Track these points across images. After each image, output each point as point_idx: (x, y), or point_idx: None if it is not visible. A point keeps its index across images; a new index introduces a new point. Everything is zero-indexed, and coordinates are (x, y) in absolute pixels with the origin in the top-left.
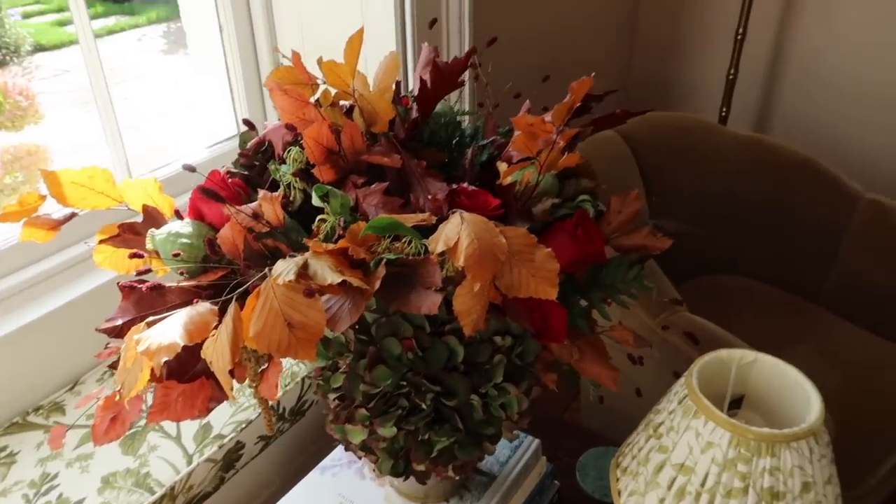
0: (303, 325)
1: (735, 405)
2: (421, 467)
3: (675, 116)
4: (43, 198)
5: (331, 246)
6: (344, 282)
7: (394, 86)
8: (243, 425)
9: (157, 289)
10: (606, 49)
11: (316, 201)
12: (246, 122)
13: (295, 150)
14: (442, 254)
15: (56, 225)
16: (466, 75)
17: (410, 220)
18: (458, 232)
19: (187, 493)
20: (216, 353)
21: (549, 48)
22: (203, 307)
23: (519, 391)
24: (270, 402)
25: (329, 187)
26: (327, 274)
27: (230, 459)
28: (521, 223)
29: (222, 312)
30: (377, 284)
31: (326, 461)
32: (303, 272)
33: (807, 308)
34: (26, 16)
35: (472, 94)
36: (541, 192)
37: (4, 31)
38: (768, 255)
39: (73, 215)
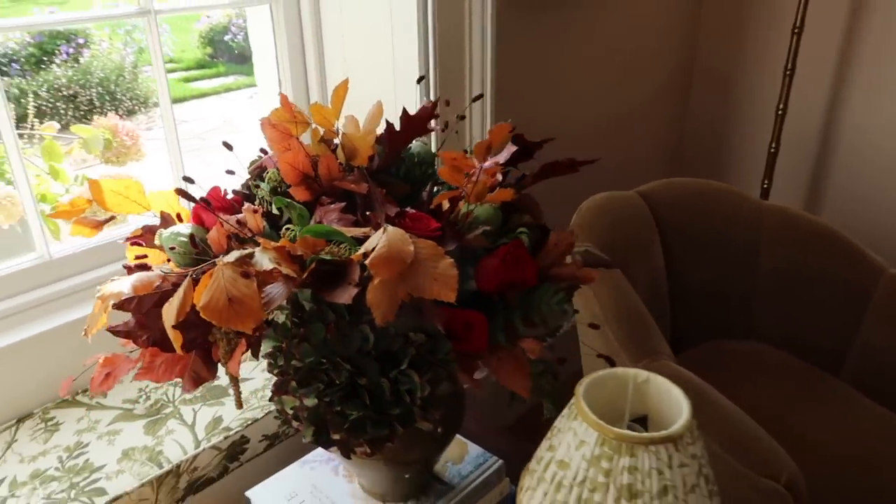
0: (240, 300)
1: (642, 425)
2: (336, 436)
3: (698, 182)
4: (90, 202)
5: (274, 244)
6: (278, 270)
7: (380, 126)
8: (249, 422)
9: (143, 268)
10: (660, 107)
11: (275, 211)
12: (262, 150)
13: (272, 171)
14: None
15: (98, 225)
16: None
17: (351, 231)
18: (377, 241)
19: (191, 474)
20: (167, 312)
21: (602, 107)
22: (153, 273)
23: (422, 379)
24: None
25: (288, 201)
26: (265, 262)
27: (234, 451)
28: (451, 243)
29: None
30: (305, 275)
31: (308, 456)
32: (248, 260)
33: (824, 379)
34: None
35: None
36: (475, 221)
37: (137, 84)
38: (787, 322)
39: (111, 218)
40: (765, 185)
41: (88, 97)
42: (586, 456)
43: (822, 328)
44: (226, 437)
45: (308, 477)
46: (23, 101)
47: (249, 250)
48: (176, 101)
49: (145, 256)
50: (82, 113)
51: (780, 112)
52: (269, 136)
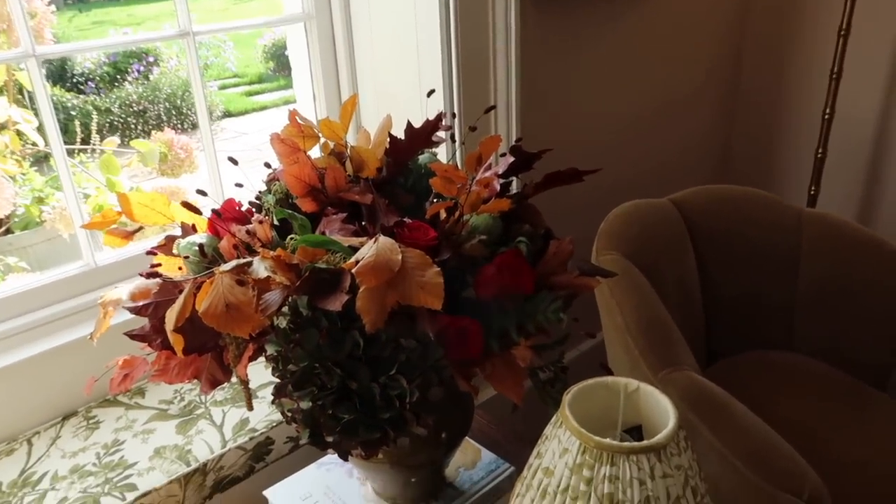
0: (236, 306)
1: (637, 435)
2: (330, 438)
3: (733, 189)
4: (120, 213)
5: (272, 253)
6: (273, 278)
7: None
8: (275, 424)
9: (156, 276)
10: (705, 111)
11: (275, 221)
12: (266, 164)
13: (278, 184)
14: None
15: (128, 235)
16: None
17: (347, 240)
18: (367, 250)
19: (218, 472)
20: (169, 316)
21: (644, 114)
22: (150, 281)
23: (411, 385)
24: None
25: (289, 212)
26: (260, 270)
27: (260, 452)
28: (446, 252)
29: None
30: (297, 283)
31: (324, 459)
32: (245, 268)
33: (868, 393)
34: (223, 87)
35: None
36: (474, 230)
37: (206, 99)
38: (829, 334)
39: (140, 229)
40: (811, 192)
41: (157, 112)
42: (569, 464)
43: (867, 341)
44: (251, 438)
45: (323, 478)
46: (91, 120)
47: (248, 259)
48: (238, 113)
49: (159, 265)
50: (151, 127)
51: (826, 117)
52: (278, 151)
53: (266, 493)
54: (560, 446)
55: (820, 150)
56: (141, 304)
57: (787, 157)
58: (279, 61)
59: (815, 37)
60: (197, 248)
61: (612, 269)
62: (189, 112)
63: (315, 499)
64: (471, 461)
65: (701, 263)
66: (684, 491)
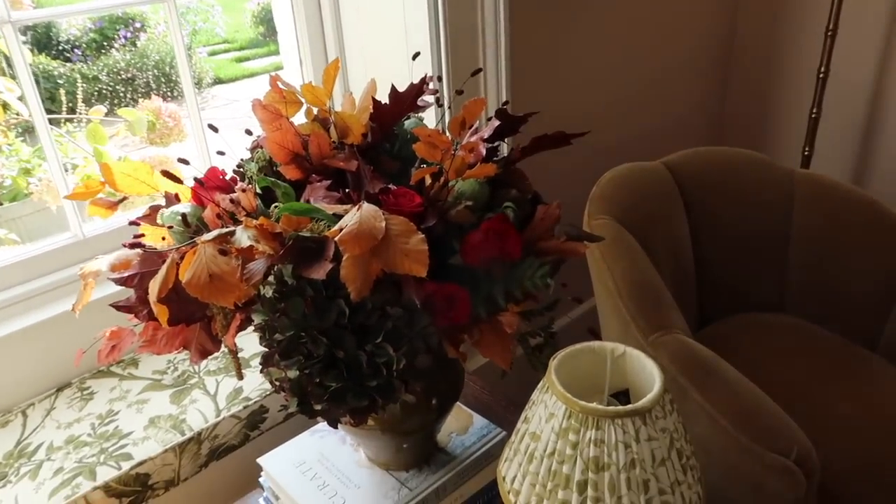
0: (220, 276)
1: (624, 399)
2: (318, 406)
3: (725, 151)
4: (103, 184)
5: (255, 222)
6: (256, 247)
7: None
8: (268, 393)
9: (138, 246)
10: (699, 73)
11: (258, 190)
12: (247, 131)
13: (260, 151)
14: None
15: (113, 205)
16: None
17: (332, 208)
18: (351, 218)
19: (212, 441)
20: (152, 287)
21: (638, 76)
22: (131, 252)
23: (398, 352)
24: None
25: (272, 180)
26: (243, 239)
27: (254, 420)
28: (432, 218)
29: None
30: (281, 252)
31: (318, 426)
32: (228, 238)
33: (859, 353)
34: (213, 53)
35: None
36: (460, 196)
37: (191, 65)
38: (820, 295)
39: (124, 198)
40: (805, 153)
41: (146, 79)
42: (555, 428)
43: (857, 301)
44: (245, 407)
45: (317, 445)
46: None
47: (230, 228)
48: (228, 80)
49: (143, 235)
50: (140, 95)
51: (821, 75)
52: (260, 117)
53: (260, 460)
54: (546, 411)
55: (814, 110)
56: (126, 274)
57: (781, 118)
58: (269, 26)
59: None
60: (180, 217)
61: (603, 233)
62: (178, 79)
63: (308, 465)
64: (463, 427)
65: (693, 226)
66: (669, 453)
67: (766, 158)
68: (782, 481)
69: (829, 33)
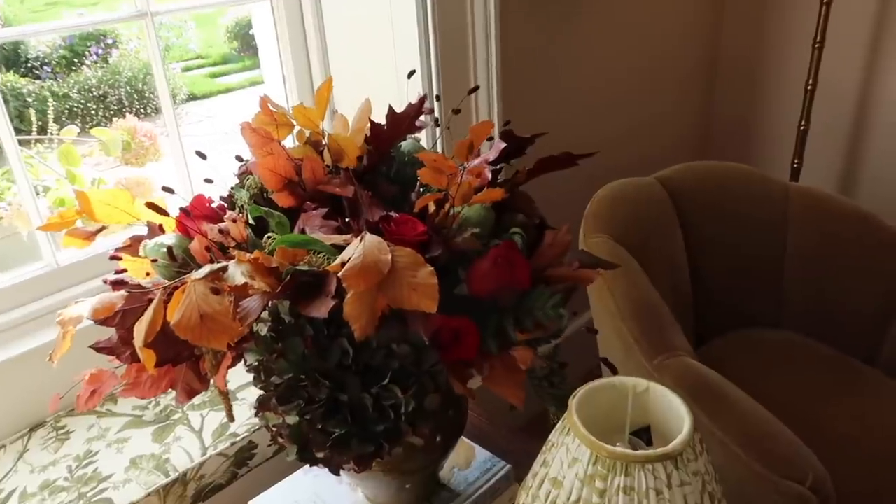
0: (212, 317)
1: (645, 436)
2: (320, 454)
3: (719, 165)
4: (80, 213)
5: (249, 256)
6: (251, 285)
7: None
8: (257, 427)
9: (121, 284)
10: (686, 90)
11: (251, 220)
12: (238, 157)
13: (252, 178)
14: None
15: (90, 235)
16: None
17: (331, 239)
18: (353, 251)
19: (199, 482)
20: (138, 331)
21: (626, 92)
22: (115, 294)
23: (406, 394)
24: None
25: (265, 209)
26: (237, 276)
27: (242, 457)
28: (437, 247)
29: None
30: (279, 289)
31: None
32: (220, 274)
33: (857, 369)
34: (186, 69)
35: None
36: (465, 222)
37: (168, 83)
38: (817, 310)
39: (102, 228)
40: (795, 165)
41: (118, 96)
42: (579, 475)
43: (854, 315)
44: (233, 444)
45: (311, 486)
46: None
47: (222, 264)
48: (203, 96)
49: (124, 271)
50: (112, 112)
51: (808, 88)
52: (250, 141)
53: (251, 503)
54: (569, 455)
55: (803, 123)
56: (108, 316)
57: (769, 131)
58: (243, 41)
59: (795, 3)
60: (165, 250)
61: (600, 252)
62: (152, 96)
63: None
64: (465, 460)
65: (688, 242)
66: (702, 497)
67: (760, 172)
68: None
69: (817, 45)
